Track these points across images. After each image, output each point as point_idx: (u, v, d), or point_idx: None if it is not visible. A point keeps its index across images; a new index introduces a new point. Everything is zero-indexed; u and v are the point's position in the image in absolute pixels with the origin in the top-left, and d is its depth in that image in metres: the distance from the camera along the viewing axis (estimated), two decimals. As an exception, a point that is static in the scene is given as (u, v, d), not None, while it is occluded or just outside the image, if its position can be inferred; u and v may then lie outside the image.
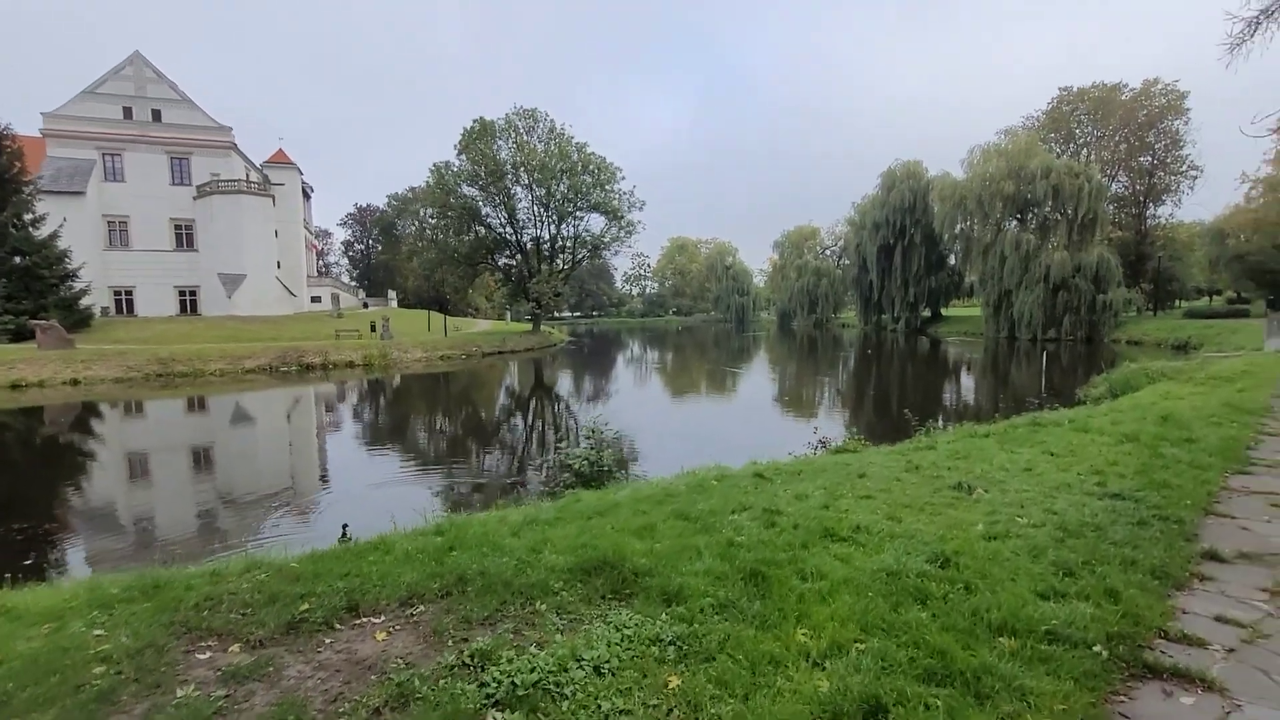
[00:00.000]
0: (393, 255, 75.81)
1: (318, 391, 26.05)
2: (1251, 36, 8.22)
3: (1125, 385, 16.46)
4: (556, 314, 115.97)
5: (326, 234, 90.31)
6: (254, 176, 50.82)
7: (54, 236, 33.41)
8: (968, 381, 27.55)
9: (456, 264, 45.82)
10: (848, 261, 77.65)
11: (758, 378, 30.21)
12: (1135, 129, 49.61)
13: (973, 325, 54.26)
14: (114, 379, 26.22)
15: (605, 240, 45.81)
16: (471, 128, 42.40)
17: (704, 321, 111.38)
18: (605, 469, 7.80)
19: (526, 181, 42.91)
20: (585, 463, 7.77)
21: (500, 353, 39.69)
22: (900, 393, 23.33)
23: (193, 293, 45.77)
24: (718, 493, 5.46)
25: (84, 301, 34.89)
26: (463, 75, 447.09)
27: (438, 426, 18.96)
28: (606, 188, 44.36)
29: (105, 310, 41.44)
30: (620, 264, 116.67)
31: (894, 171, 60.31)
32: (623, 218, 44.94)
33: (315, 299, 56.42)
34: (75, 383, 25.43)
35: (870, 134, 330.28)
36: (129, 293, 44.34)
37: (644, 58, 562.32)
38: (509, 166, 42.42)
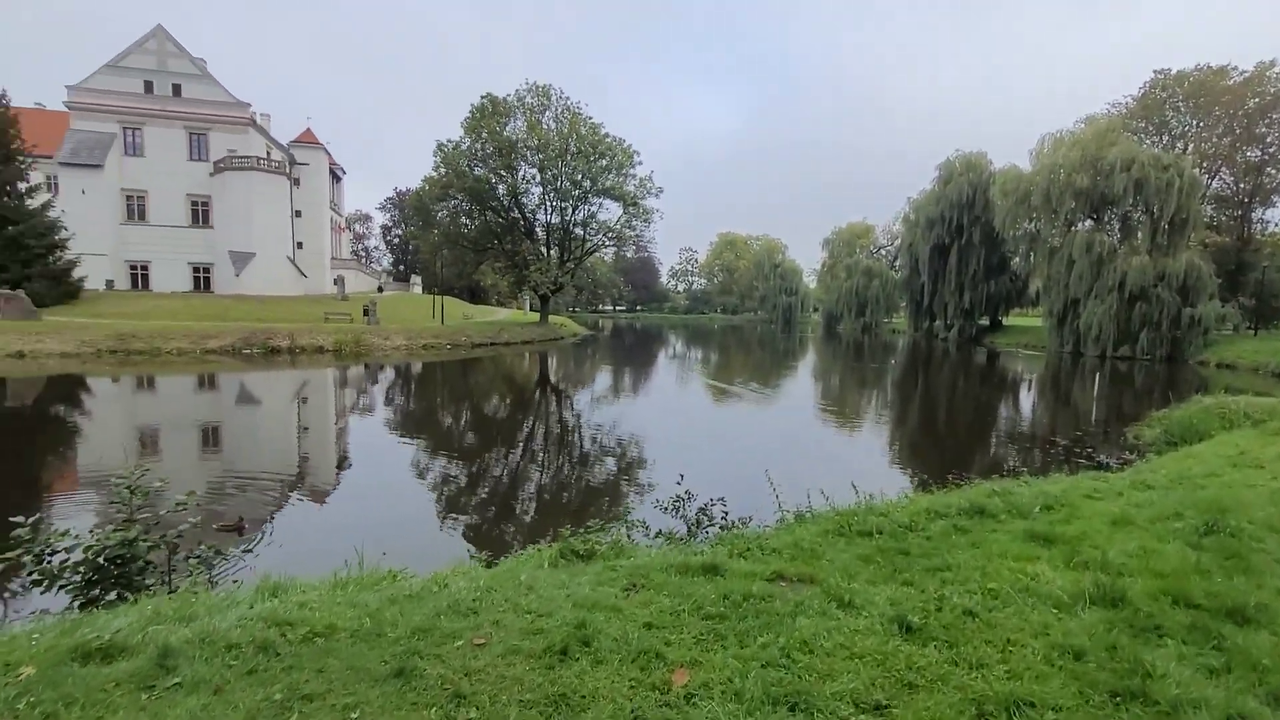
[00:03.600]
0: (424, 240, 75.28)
1: (242, 379, 23.93)
2: None
3: (1188, 429, 12.13)
4: (600, 306, 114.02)
5: (367, 218, 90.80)
6: (277, 155, 50.30)
7: (46, 206, 33.07)
8: (1003, 407, 22.88)
9: (463, 249, 43.66)
10: (901, 262, 71.78)
11: (765, 398, 25.96)
12: (1242, 118, 42.39)
13: (1035, 337, 48.30)
14: (61, 353, 25.12)
15: (617, 228, 42.57)
16: (481, 105, 39.99)
17: (750, 321, 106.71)
18: (129, 565, 4.71)
19: (535, 162, 40.20)
20: (82, 568, 4.66)
21: (492, 344, 37.17)
22: (917, 424, 19.17)
23: (206, 269, 45.53)
24: None
25: (77, 273, 34.48)
26: (504, 63, 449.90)
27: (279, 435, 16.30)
28: (622, 171, 41.14)
29: (110, 283, 41.48)
30: (667, 259, 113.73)
31: (952, 164, 54.57)
32: (638, 204, 41.59)
33: (337, 281, 55.77)
34: (21, 355, 24.43)
35: (932, 126, 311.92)
36: (144, 267, 44.43)
37: (690, 54, 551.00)
38: (519, 146, 39.79)
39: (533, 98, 40.27)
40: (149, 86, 43.88)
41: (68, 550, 4.75)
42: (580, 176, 40.18)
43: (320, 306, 40.87)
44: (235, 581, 5.24)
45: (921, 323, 61.96)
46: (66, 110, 42.74)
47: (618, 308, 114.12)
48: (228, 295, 41.66)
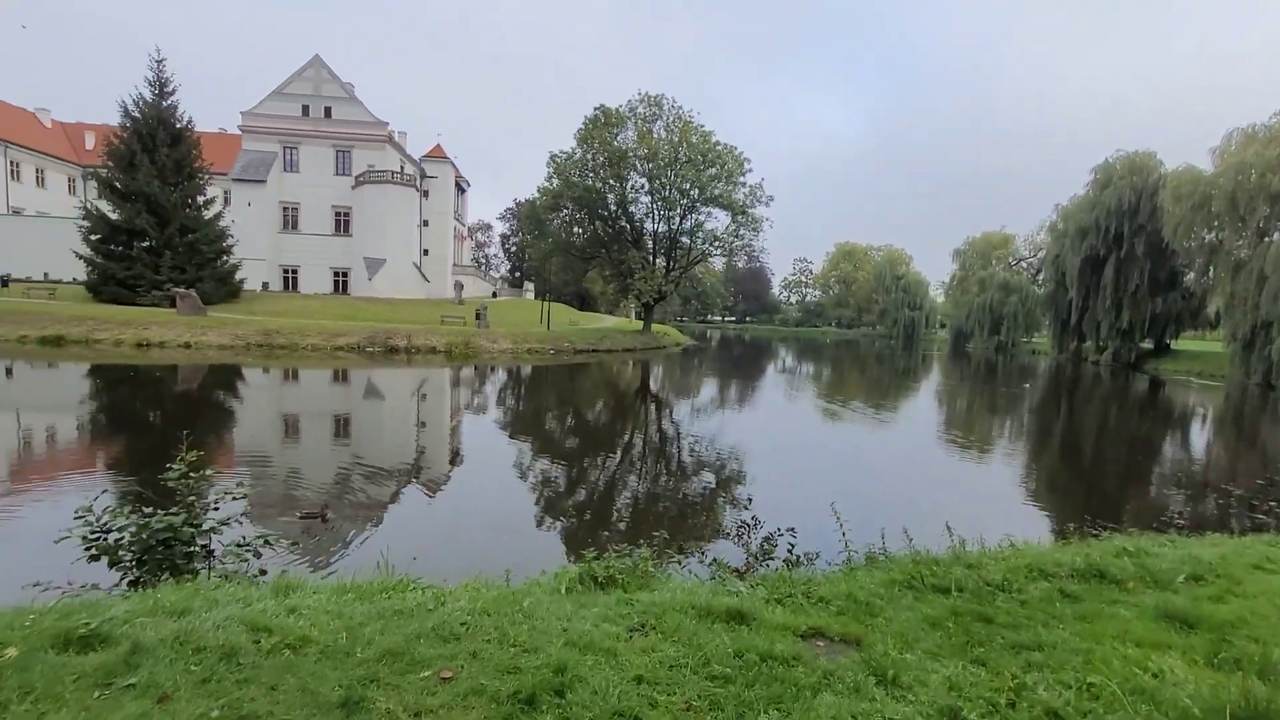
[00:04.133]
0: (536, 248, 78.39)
1: (359, 373, 25.67)
2: None
3: None
4: (709, 316, 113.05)
5: (488, 228, 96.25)
6: (409, 169, 54.35)
7: (217, 217, 37.83)
8: (1166, 445, 19.65)
9: (572, 257, 44.80)
10: (1045, 276, 64.95)
11: (874, 421, 23.76)
12: None
13: (1212, 364, 41.69)
14: (219, 345, 28.36)
15: (725, 238, 41.82)
16: (594, 116, 40.88)
17: (866, 335, 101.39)
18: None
19: (644, 171, 40.44)
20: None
21: (594, 351, 37.67)
22: (1054, 460, 16.92)
23: (345, 274, 50.02)
24: None
25: (239, 275, 39.13)
26: (620, 68, 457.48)
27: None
28: (732, 179, 40.43)
29: (265, 285, 46.61)
30: (780, 269, 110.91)
31: (1111, 166, 48.60)
32: (746, 213, 40.64)
33: (457, 286, 59.30)
34: (188, 346, 27.86)
35: (1084, 126, 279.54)
36: (294, 271, 49.58)
37: (804, 54, 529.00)
38: (629, 156, 40.22)
39: (644, 107, 40.61)
40: (306, 110, 49.11)
41: (120, 530, 4.95)
42: (688, 185, 39.89)
43: (439, 310, 43.52)
44: (261, 572, 5.25)
45: (1067, 343, 55.64)
46: (239, 133, 48.82)
47: (726, 318, 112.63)
48: (360, 298, 45.49)
